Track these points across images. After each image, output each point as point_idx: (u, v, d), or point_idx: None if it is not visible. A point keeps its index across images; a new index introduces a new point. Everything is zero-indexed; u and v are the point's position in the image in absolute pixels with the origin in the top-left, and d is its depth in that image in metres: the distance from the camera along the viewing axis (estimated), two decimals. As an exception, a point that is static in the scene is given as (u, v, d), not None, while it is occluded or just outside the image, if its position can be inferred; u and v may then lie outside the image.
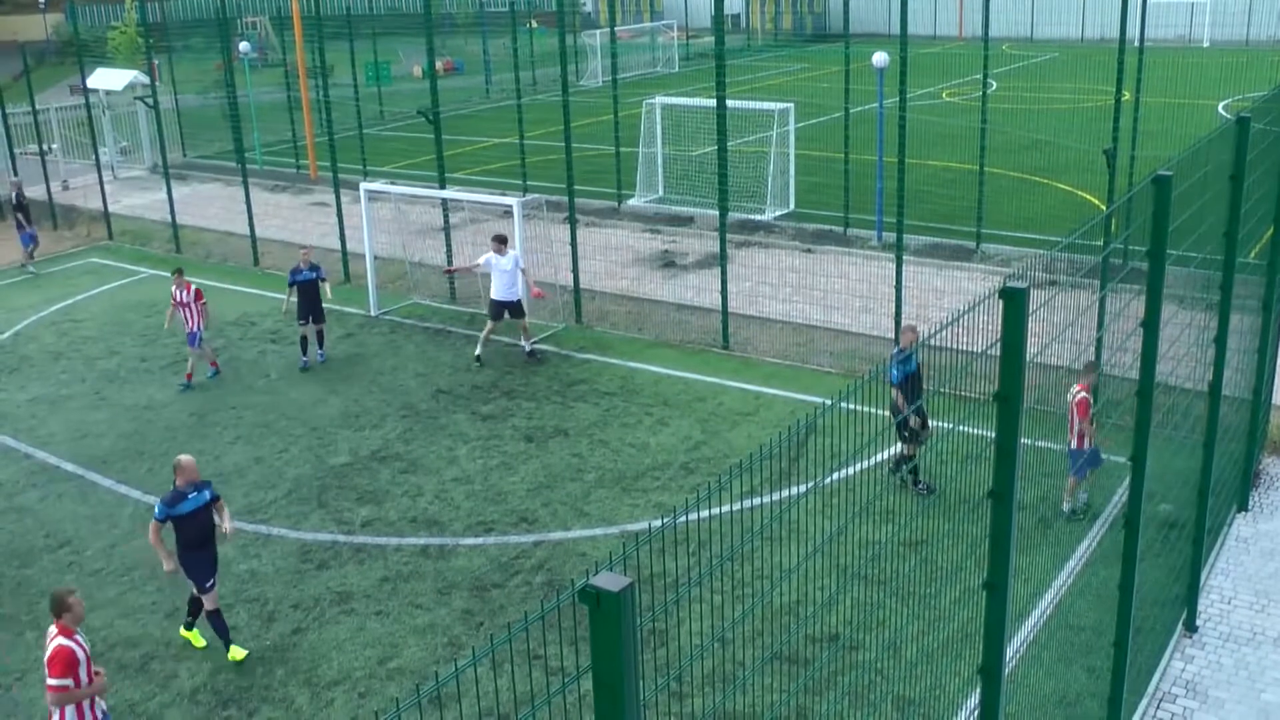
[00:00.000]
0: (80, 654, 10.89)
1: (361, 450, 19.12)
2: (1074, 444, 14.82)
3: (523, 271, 22.14)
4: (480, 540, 15.98)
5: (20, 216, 31.79)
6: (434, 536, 16.20)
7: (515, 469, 17.97)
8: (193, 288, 22.24)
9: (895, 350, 17.03)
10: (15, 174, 35.78)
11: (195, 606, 14.01)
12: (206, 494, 13.81)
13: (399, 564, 15.54)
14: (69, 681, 10.82)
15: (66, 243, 34.47)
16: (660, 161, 34.14)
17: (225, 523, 13.89)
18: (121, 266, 32.02)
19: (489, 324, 22.36)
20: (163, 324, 25.08)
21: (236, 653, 13.79)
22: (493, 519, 16.55)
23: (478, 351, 22.42)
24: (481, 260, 22.40)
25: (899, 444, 16.60)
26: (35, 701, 13.40)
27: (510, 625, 5.06)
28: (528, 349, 22.33)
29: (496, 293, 22.11)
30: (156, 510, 13.71)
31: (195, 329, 22.00)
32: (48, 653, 10.82)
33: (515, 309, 22.13)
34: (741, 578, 13.79)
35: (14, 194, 32.31)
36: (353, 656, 13.69)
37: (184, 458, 13.89)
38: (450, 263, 26.22)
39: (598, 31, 63.84)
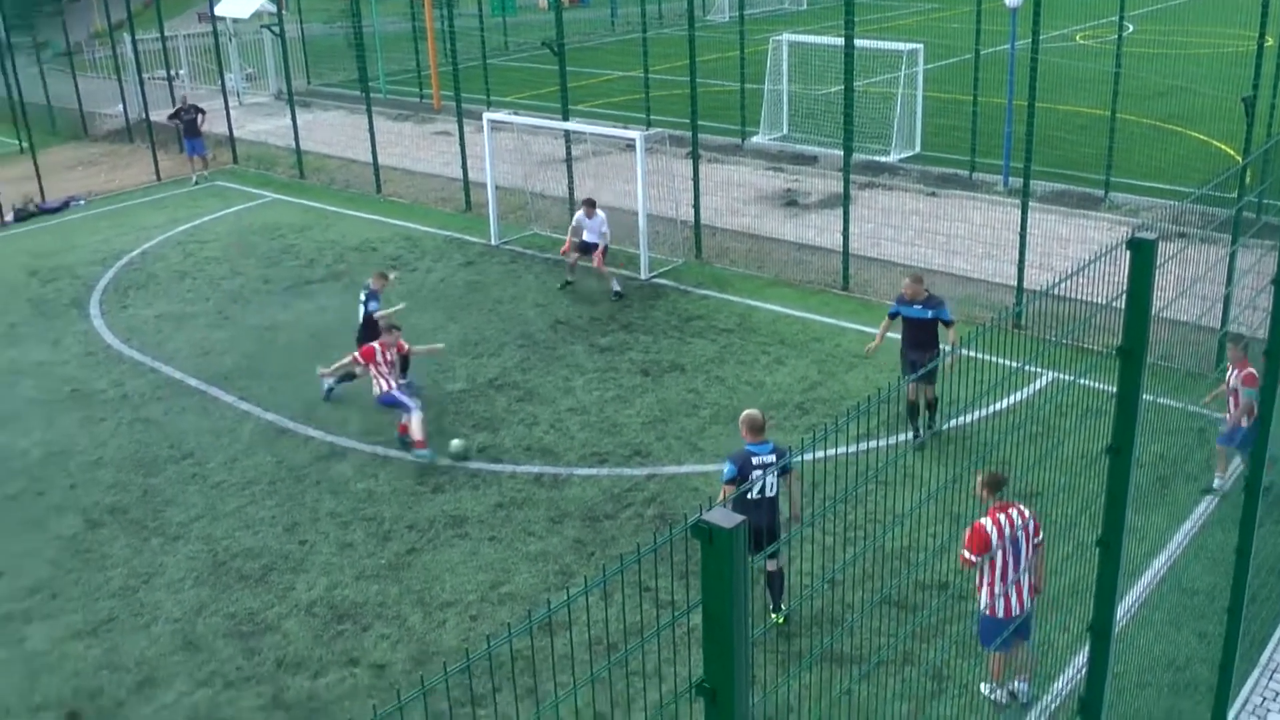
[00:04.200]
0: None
1: (479, 377, 19.37)
2: (1244, 421, 14.08)
3: (603, 235, 22.37)
4: (594, 471, 16.16)
5: (185, 126, 33.20)
6: (548, 465, 16.41)
7: (631, 402, 18.11)
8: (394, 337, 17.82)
9: (930, 296, 16.71)
10: (144, 98, 36.53)
11: (776, 586, 12.90)
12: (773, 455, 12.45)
13: (513, 491, 15.78)
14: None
15: (193, 165, 35.11)
16: (785, 99, 33.86)
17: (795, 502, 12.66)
18: (245, 190, 32.60)
19: (574, 255, 22.76)
20: (286, 245, 25.49)
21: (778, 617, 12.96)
22: (607, 450, 16.72)
23: (567, 277, 23.03)
24: (574, 224, 22.81)
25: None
26: (161, 604, 13.90)
27: (622, 556, 5.15)
28: (616, 289, 22.59)
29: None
30: (725, 470, 12.54)
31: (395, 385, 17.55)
32: None
33: (591, 249, 22.57)
34: (854, 520, 13.80)
35: (182, 108, 33.48)
36: (465, 580, 13.96)
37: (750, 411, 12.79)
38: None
39: (726, -35, 63.29)
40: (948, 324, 16.20)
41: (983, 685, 11.63)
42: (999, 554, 10.57)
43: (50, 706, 12.47)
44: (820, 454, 14.13)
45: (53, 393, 20.00)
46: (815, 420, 17.02)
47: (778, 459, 12.21)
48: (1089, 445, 6.84)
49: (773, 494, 12.03)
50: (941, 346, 15.59)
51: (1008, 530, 10.55)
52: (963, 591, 12.77)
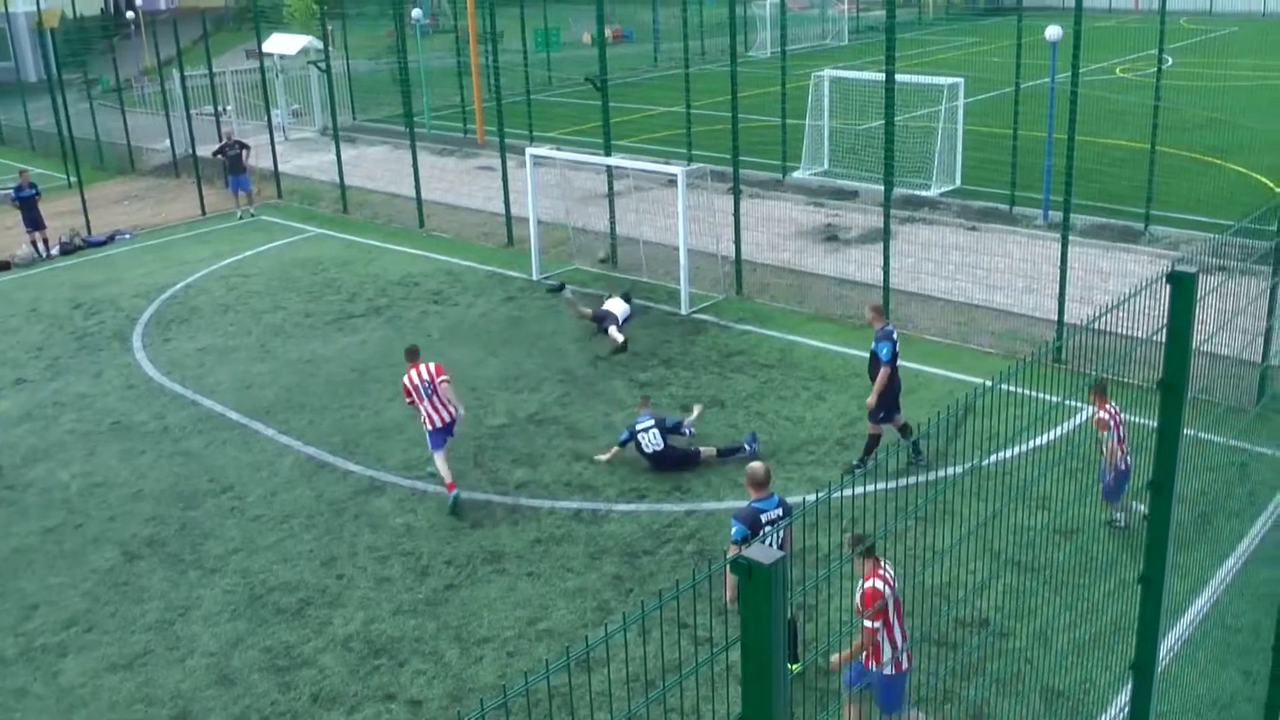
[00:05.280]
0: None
1: (519, 412, 19.38)
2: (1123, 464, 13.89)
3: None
4: (633, 507, 16.12)
5: (230, 162, 33.53)
6: (587, 501, 16.38)
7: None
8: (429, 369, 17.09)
9: (882, 328, 16.69)
10: (190, 134, 36.91)
11: (791, 636, 12.49)
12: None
13: (551, 526, 15.74)
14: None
15: (234, 201, 35.40)
16: (826, 135, 33.87)
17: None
18: (289, 225, 32.84)
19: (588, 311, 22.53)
20: (328, 280, 25.71)
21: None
22: (646, 486, 16.67)
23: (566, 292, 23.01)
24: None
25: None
26: (197, 637, 13.93)
27: (661, 593, 5.11)
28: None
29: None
30: (733, 530, 12.20)
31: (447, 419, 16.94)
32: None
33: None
34: (893, 556, 13.70)
35: (226, 144, 33.81)
36: (503, 615, 13.92)
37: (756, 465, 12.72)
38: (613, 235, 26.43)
39: (768, 2, 63.42)
40: (883, 362, 16.22)
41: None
42: (890, 611, 10.32)
43: (87, 739, 12.52)
44: (859, 490, 14.07)
45: (94, 425, 20.15)
46: (854, 456, 16.91)
47: (784, 513, 12.11)
48: (1129, 481, 6.76)
49: (781, 545, 11.94)
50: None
51: (887, 591, 10.30)
52: (1004, 629, 12.65)
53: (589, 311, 22.35)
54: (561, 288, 24.29)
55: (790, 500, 14.56)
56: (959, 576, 13.39)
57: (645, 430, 16.95)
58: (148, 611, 14.55)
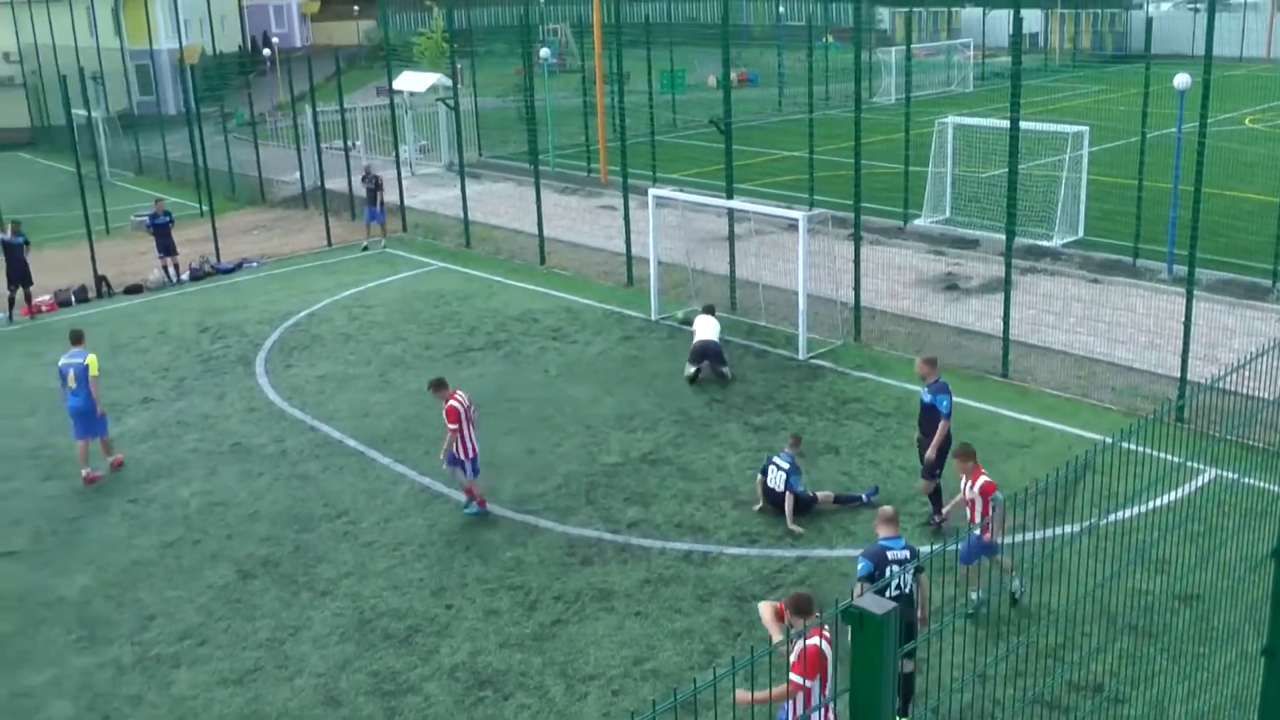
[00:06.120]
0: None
1: (633, 451, 19.42)
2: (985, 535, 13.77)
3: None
4: (744, 550, 16.06)
5: (367, 194, 34.43)
6: (698, 543, 16.35)
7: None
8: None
9: (936, 381, 16.43)
10: (320, 167, 37.69)
11: (907, 689, 12.42)
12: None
13: (661, 567, 15.73)
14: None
15: (363, 232, 36.00)
16: (949, 182, 33.64)
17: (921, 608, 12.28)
18: (413, 258, 33.32)
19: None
20: (449, 313, 25.99)
21: None
22: (758, 531, 16.60)
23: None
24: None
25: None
26: (306, 657, 14.13)
27: (770, 639, 5.10)
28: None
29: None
30: (860, 566, 12.19)
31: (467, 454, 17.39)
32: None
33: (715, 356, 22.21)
34: (1005, 614, 13.51)
35: (366, 175, 34.72)
36: (609, 653, 13.93)
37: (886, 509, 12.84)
38: (733, 273, 26.46)
39: (893, 48, 63.27)
40: (941, 415, 16.08)
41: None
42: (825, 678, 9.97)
43: (196, 754, 12.76)
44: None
45: (215, 445, 20.58)
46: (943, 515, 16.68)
47: (911, 556, 12.01)
48: (1253, 547, 6.62)
49: (908, 591, 11.83)
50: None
51: (830, 655, 10.01)
52: (1119, 695, 12.38)
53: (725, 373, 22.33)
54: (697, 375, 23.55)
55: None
56: (1073, 638, 13.13)
57: (778, 469, 16.92)
58: (259, 629, 14.81)
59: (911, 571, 11.75)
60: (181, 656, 14.39)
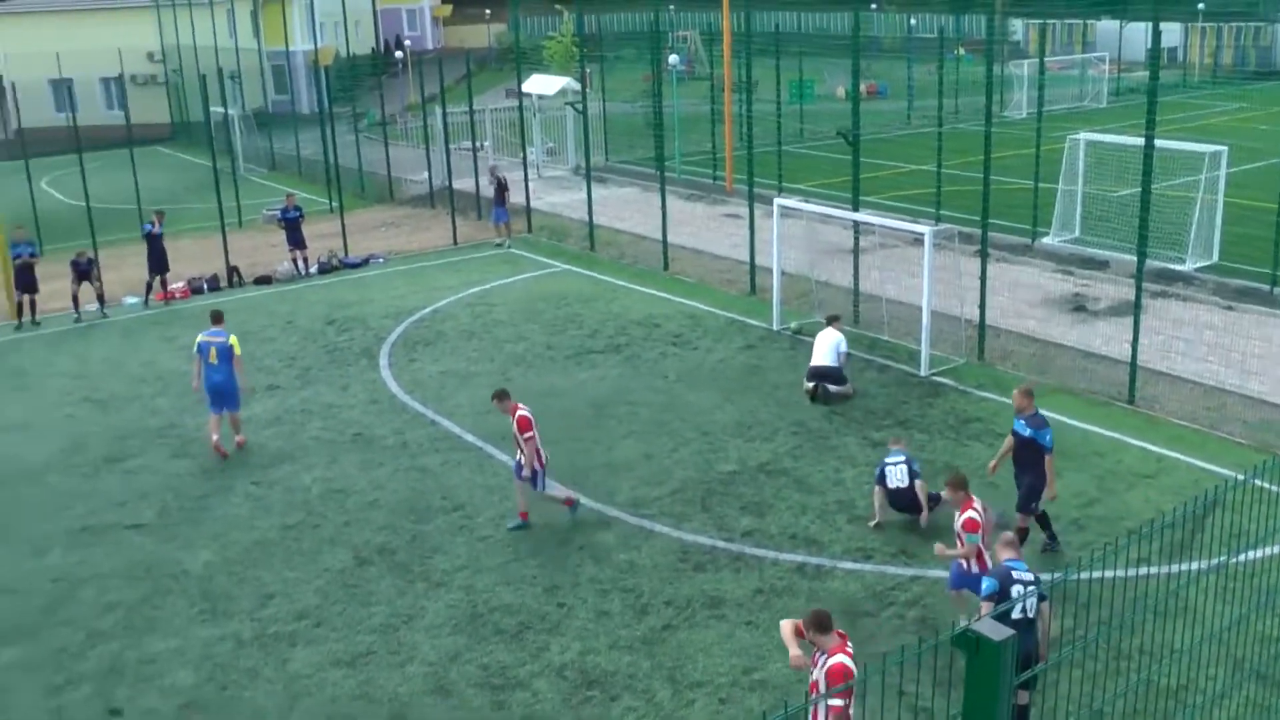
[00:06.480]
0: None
1: (750, 460, 19.37)
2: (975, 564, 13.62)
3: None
4: (858, 566, 15.93)
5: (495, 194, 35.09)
6: (812, 555, 16.26)
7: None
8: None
9: (1035, 414, 15.95)
10: (448, 167, 38.16)
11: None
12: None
13: (774, 578, 15.67)
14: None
15: (489, 232, 36.38)
16: (1079, 200, 33.06)
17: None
18: (537, 259, 33.59)
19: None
20: (571, 315, 26.14)
21: None
22: (872, 547, 16.46)
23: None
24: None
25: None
26: (418, 645, 14.37)
27: (885, 657, 5.06)
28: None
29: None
30: (984, 585, 12.17)
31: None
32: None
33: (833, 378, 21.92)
34: (1125, 650, 13.23)
35: (497, 178, 35.30)
36: (718, 662, 13.90)
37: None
38: (857, 288, 26.29)
39: (1025, 61, 62.41)
40: (1044, 450, 15.60)
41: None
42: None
43: (305, 730, 13.04)
44: (1092, 575, 13.64)
45: (337, 434, 20.96)
46: (1090, 539, 16.33)
47: (1034, 581, 11.82)
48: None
49: (1033, 615, 11.64)
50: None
51: (855, 673, 10.07)
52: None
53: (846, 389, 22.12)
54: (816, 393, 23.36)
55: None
56: (1196, 680, 12.78)
57: (895, 465, 16.81)
58: (374, 615, 15.07)
59: (1036, 596, 11.58)
60: (298, 635, 14.74)
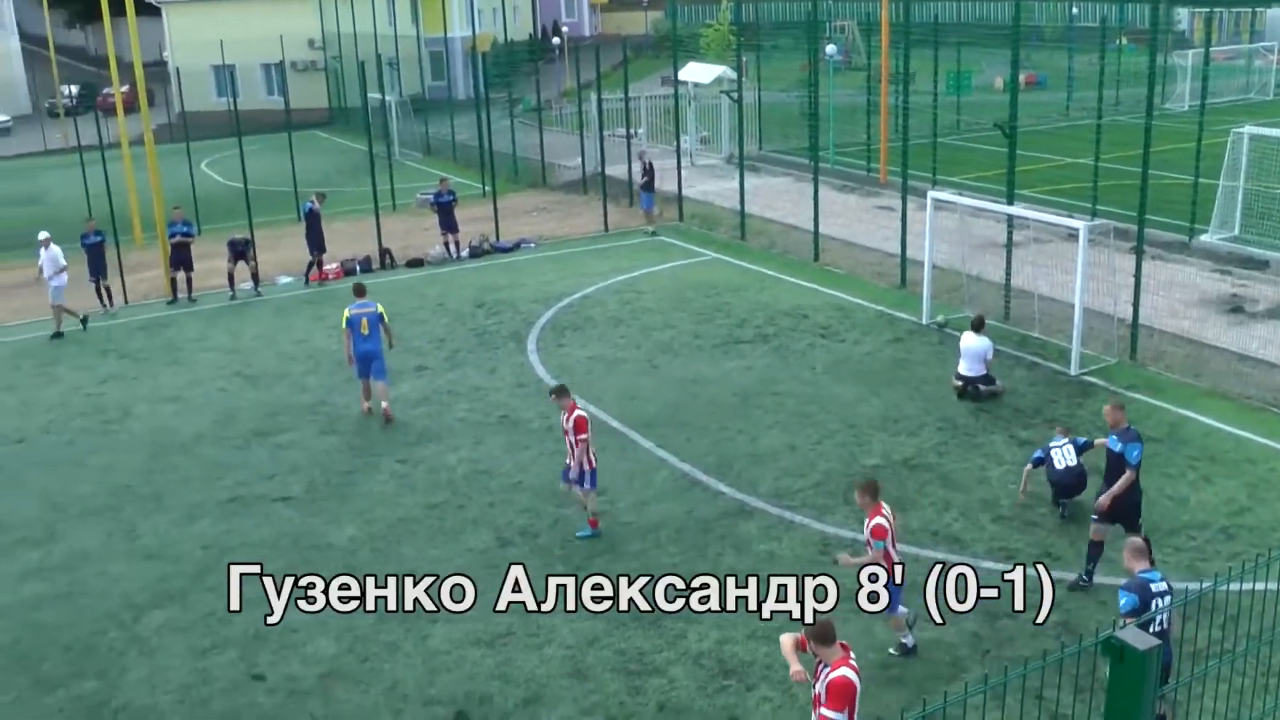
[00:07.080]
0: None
1: (894, 455, 19.27)
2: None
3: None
4: (1000, 567, 15.76)
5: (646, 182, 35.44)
6: (953, 553, 16.14)
7: (1047, 500, 17.47)
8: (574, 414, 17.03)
9: (1127, 428, 15.29)
10: (602, 154, 38.48)
11: None
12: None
13: (914, 574, 15.53)
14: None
15: (639, 219, 36.59)
16: (1240, 197, 32.11)
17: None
18: (687, 247, 33.68)
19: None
20: (719, 303, 26.18)
21: None
22: (1015, 548, 16.27)
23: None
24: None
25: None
26: (556, 628, 14.51)
27: (1026, 661, 5.04)
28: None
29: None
30: (1123, 601, 11.65)
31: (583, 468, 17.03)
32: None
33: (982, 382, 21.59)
34: (1273, 666, 12.92)
35: (644, 164, 35.64)
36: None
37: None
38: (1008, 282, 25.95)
39: (1190, 52, 60.80)
40: (1130, 465, 14.96)
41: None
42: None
43: (442, 702, 13.41)
44: (1243, 586, 13.35)
45: (484, 416, 21.32)
46: (1240, 549, 15.92)
47: (1167, 590, 11.57)
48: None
49: (1168, 627, 11.39)
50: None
51: (858, 685, 10.08)
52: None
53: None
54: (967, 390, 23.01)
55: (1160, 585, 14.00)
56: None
57: (1060, 446, 16.73)
58: (514, 595, 15.33)
59: (1171, 608, 11.35)
60: (439, 614, 15.01)
